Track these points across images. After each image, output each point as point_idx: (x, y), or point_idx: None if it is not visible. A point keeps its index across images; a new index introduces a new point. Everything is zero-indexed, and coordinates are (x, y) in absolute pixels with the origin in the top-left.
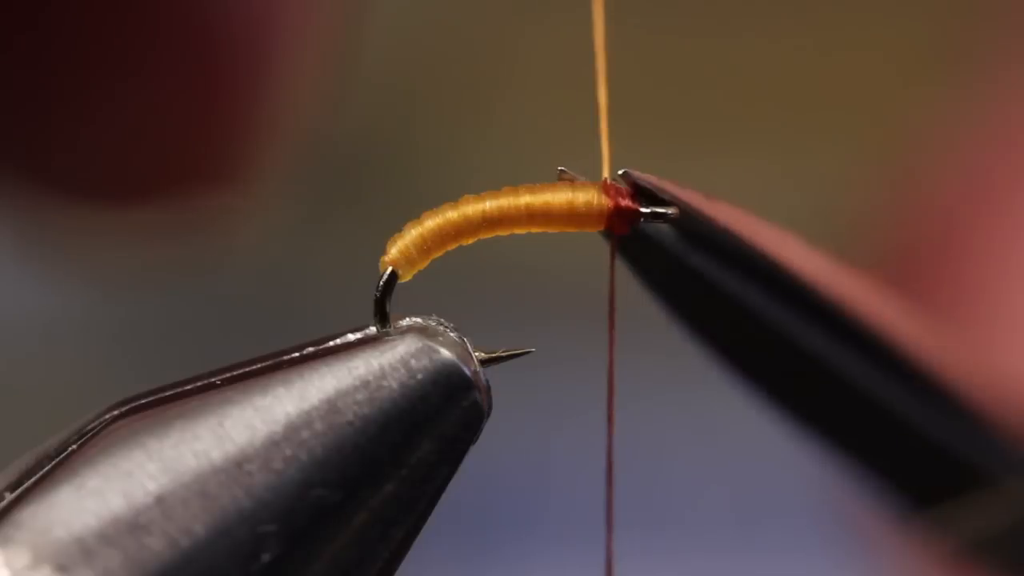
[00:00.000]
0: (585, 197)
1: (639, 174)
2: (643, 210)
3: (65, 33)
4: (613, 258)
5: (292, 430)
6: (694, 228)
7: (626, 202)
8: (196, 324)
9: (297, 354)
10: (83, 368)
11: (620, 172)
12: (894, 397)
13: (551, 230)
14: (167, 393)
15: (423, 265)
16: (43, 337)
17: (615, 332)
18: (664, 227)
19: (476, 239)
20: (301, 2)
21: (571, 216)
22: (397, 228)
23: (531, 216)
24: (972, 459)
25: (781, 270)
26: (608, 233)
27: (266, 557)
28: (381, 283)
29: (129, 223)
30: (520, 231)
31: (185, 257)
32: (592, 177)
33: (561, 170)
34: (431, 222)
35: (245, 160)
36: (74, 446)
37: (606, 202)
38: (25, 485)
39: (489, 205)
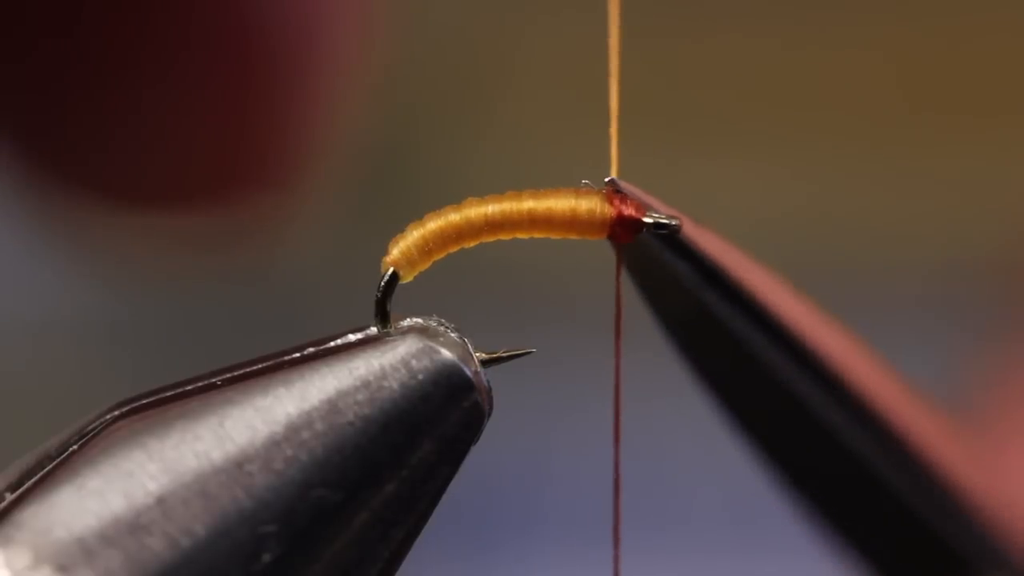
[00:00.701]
0: (588, 205)
1: (625, 184)
2: (646, 220)
3: (108, 36)
4: (619, 268)
5: (293, 430)
6: (688, 249)
7: (629, 211)
8: (231, 328)
9: (298, 354)
10: (116, 369)
11: (606, 180)
12: (874, 459)
13: (553, 236)
14: (168, 393)
15: (424, 266)
16: (77, 338)
17: (621, 342)
18: (665, 242)
19: (478, 242)
20: (342, 5)
21: (573, 223)
22: (400, 230)
23: (533, 221)
24: (954, 544)
25: (766, 313)
26: (614, 242)
27: (267, 557)
28: (382, 283)
29: (173, 228)
30: (522, 236)
31: (226, 262)
32: (603, 174)
33: (585, 184)
34: (433, 224)
35: (290, 165)
36: (75, 446)
37: (609, 210)
38: (26, 485)
39: (491, 209)
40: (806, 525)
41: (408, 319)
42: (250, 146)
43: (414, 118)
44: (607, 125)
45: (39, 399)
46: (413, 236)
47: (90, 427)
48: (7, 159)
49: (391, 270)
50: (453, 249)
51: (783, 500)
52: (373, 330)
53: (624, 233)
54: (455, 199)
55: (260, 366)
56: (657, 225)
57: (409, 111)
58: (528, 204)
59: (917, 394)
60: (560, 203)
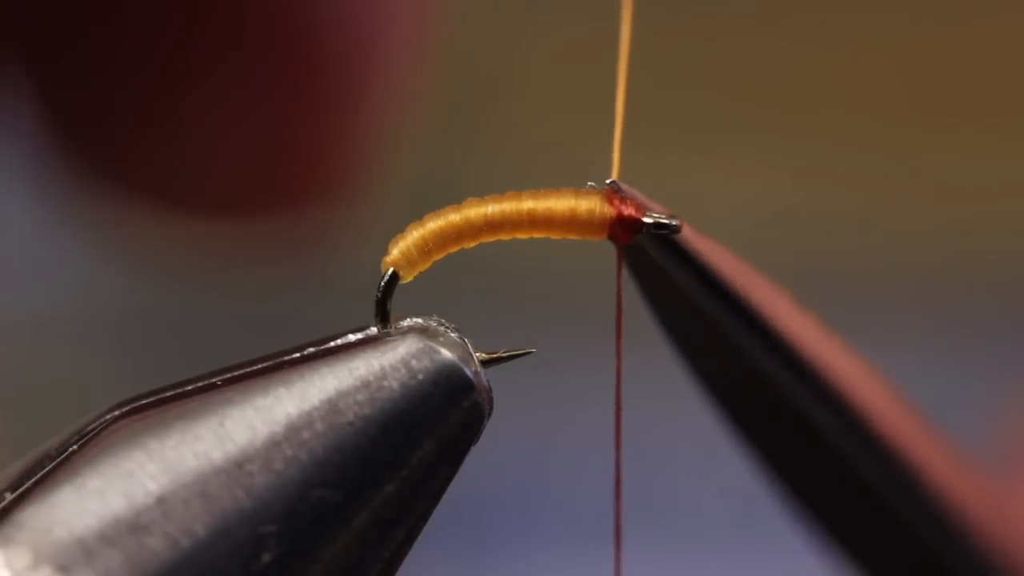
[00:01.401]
0: (588, 205)
1: (627, 187)
2: (646, 220)
3: (164, 40)
4: (620, 268)
5: (293, 430)
6: (688, 256)
7: (629, 211)
8: (277, 336)
9: (298, 354)
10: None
11: (607, 182)
12: (867, 467)
13: (553, 236)
14: (168, 394)
15: (425, 266)
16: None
17: (622, 342)
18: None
19: (478, 242)
20: (400, 17)
21: (573, 223)
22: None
23: (533, 221)
24: (944, 556)
25: (763, 322)
26: (615, 242)
27: (267, 557)
28: (382, 283)
29: (225, 237)
30: (522, 236)
31: (275, 272)
32: (605, 174)
33: (590, 185)
34: (433, 224)
35: (344, 175)
36: (75, 446)
37: (609, 211)
38: (26, 485)
39: (491, 209)
40: (800, 528)
41: (408, 319)
42: (305, 155)
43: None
44: (609, 126)
45: (39, 399)
46: (413, 236)
47: (90, 427)
48: (56, 158)
49: (391, 270)
50: (453, 249)
51: (778, 502)
52: (373, 330)
53: (624, 233)
54: (457, 199)
55: (260, 366)
56: (657, 225)
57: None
58: (528, 204)
59: (913, 407)
60: (560, 203)
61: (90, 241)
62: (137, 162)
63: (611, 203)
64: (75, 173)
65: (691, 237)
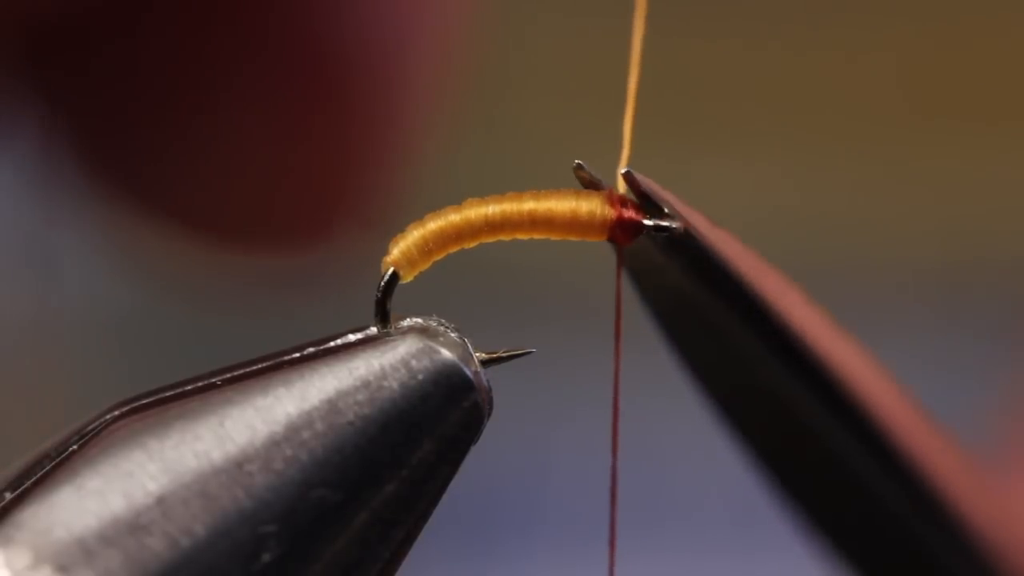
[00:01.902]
0: (589, 206)
1: (641, 177)
2: (647, 222)
3: (197, 63)
4: (620, 269)
5: (293, 430)
6: (696, 252)
7: (630, 213)
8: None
9: (298, 354)
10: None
11: (622, 172)
12: (870, 471)
13: (554, 237)
14: (168, 394)
15: (425, 266)
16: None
17: (620, 344)
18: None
19: (478, 243)
20: (424, 36)
21: (574, 224)
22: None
23: (534, 222)
24: (943, 557)
25: (775, 319)
26: (615, 243)
27: (267, 557)
28: (382, 283)
29: (253, 265)
30: (523, 236)
31: (306, 299)
32: (607, 175)
33: (577, 164)
34: (433, 224)
35: (377, 202)
36: (75, 446)
37: (610, 212)
38: (26, 485)
39: (492, 209)
40: (796, 527)
41: (408, 319)
42: (337, 183)
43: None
44: (613, 125)
45: (39, 399)
46: (413, 236)
47: (90, 427)
48: (71, 169)
49: (391, 270)
50: (453, 249)
51: (774, 502)
52: (373, 330)
53: (624, 235)
54: (457, 200)
55: (260, 366)
56: (658, 227)
57: None
58: (528, 205)
59: (916, 404)
60: (561, 204)
61: (95, 244)
62: (153, 178)
63: (612, 205)
64: (90, 184)
65: (706, 230)
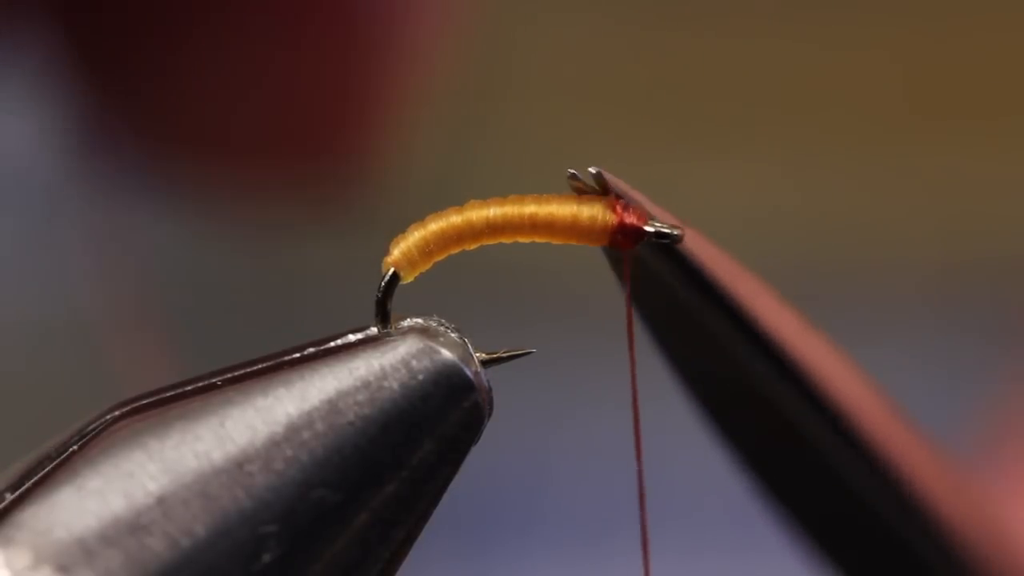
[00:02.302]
0: (590, 212)
1: (611, 177)
2: (647, 229)
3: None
4: (627, 275)
5: (293, 431)
6: (675, 256)
7: (631, 219)
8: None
9: (298, 355)
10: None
11: (593, 171)
12: (853, 472)
13: (554, 241)
14: (168, 394)
15: (425, 267)
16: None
17: (635, 351)
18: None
19: (479, 245)
20: None
21: (574, 229)
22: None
23: (535, 226)
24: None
25: (747, 318)
26: (614, 250)
27: (267, 558)
28: (383, 284)
29: (262, 181)
30: (523, 240)
31: (313, 219)
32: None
33: (571, 173)
34: (434, 225)
35: (380, 120)
36: (75, 446)
37: (611, 218)
38: (26, 486)
39: (493, 212)
40: (782, 529)
41: (408, 319)
42: (348, 94)
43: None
44: (614, 125)
45: (39, 399)
46: (414, 237)
47: (90, 427)
48: (91, 103)
49: (392, 270)
50: (454, 251)
51: (761, 504)
52: (373, 330)
53: (625, 241)
54: (458, 201)
55: (260, 366)
56: (658, 234)
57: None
58: (530, 209)
59: (896, 407)
60: (562, 209)
61: (95, 237)
62: (160, 97)
63: (613, 211)
64: (96, 106)
65: (686, 235)
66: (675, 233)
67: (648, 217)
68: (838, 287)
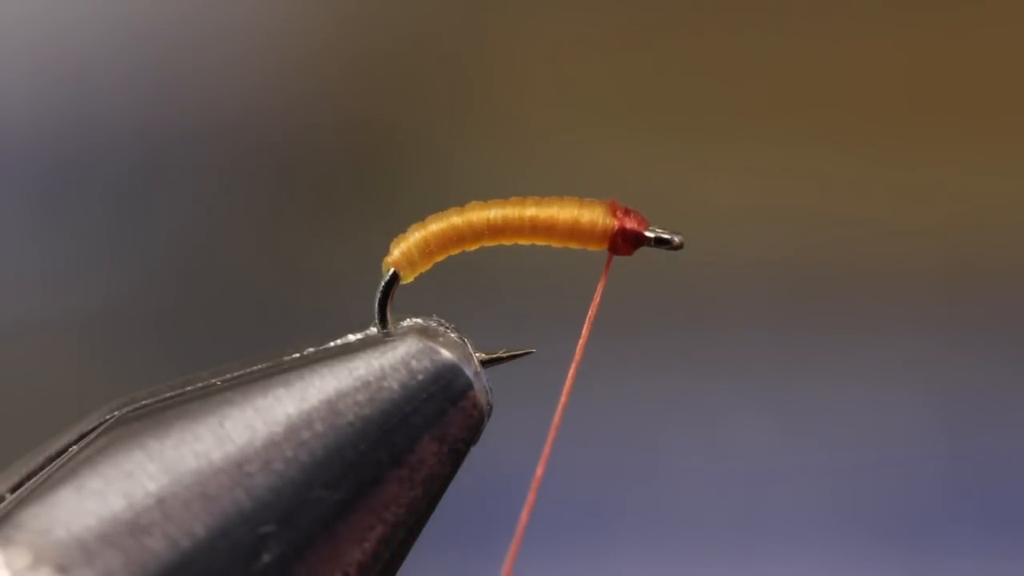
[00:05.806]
0: (591, 216)
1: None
2: (648, 234)
3: None
4: (605, 277)
5: (292, 431)
6: None
7: (632, 224)
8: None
9: (297, 355)
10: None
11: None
12: None
13: (555, 244)
14: (167, 394)
15: (425, 267)
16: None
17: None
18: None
19: (479, 246)
20: None
21: (575, 233)
22: (401, 229)
23: (535, 228)
24: None
25: None
26: (615, 253)
27: (267, 558)
28: (383, 284)
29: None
30: (524, 242)
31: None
32: (607, 176)
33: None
34: (435, 225)
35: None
36: (75, 447)
37: (611, 223)
38: (26, 486)
39: (494, 214)
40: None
41: (408, 319)
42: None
43: (415, 115)
44: (615, 126)
45: (39, 399)
46: (415, 237)
47: (90, 427)
48: None
49: (392, 270)
50: (454, 251)
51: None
52: (373, 330)
53: (625, 246)
54: (458, 201)
55: (260, 367)
56: (658, 240)
57: (410, 107)
58: (531, 211)
59: None
60: (563, 212)
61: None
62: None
63: (614, 215)
64: None
65: None
66: (675, 239)
67: (648, 222)
68: (838, 287)
